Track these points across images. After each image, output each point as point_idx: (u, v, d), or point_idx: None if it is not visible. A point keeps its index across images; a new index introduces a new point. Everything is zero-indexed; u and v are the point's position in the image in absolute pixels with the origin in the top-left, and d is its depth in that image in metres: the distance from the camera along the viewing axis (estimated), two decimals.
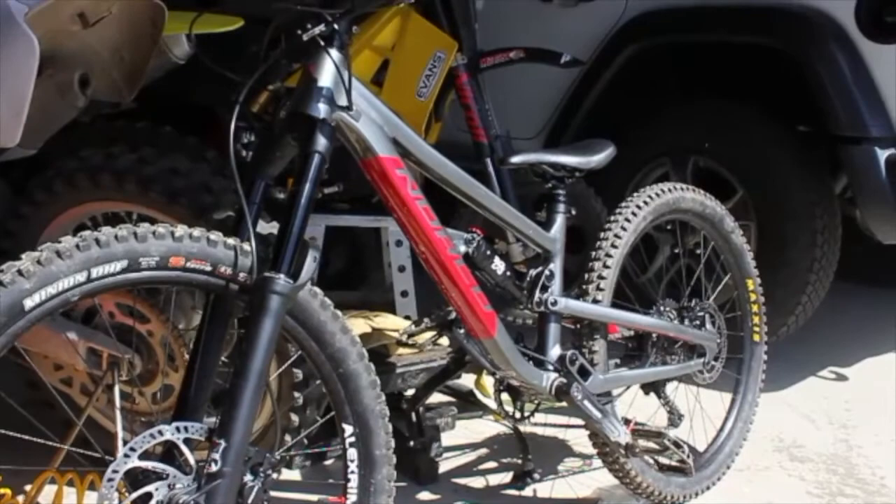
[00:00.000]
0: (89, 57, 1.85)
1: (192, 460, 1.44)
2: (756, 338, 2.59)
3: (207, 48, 2.02)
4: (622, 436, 2.14)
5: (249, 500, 1.47)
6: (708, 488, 2.43)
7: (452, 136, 2.94)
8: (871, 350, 3.51)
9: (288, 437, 2.07)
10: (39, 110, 1.74)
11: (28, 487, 1.89)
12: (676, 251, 3.05)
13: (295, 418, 2.09)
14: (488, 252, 1.97)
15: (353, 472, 1.66)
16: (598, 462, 2.35)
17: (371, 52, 2.57)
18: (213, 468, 1.42)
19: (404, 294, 2.68)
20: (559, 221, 2.16)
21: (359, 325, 2.41)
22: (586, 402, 2.09)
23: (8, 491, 1.76)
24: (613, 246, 2.20)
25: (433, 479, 2.41)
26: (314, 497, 2.23)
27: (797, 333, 3.30)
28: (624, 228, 2.22)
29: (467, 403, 2.70)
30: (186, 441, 1.45)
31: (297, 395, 2.06)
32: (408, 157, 1.77)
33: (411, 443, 2.39)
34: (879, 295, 3.99)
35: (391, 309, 2.65)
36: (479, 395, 2.70)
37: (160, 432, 1.44)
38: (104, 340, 1.97)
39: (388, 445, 1.69)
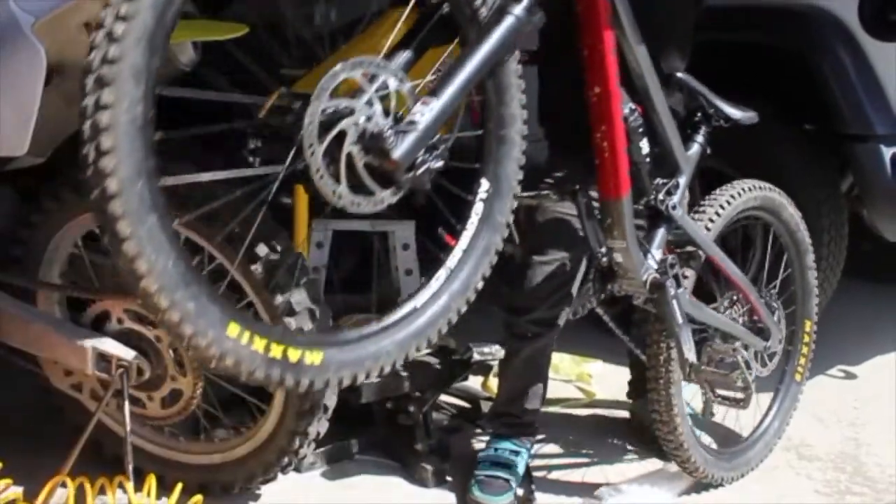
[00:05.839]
0: None
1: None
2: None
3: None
4: (692, 353, 2.18)
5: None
6: (752, 469, 2.54)
7: None
8: (881, 348, 3.49)
9: None
10: (47, 119, 1.76)
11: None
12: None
13: None
14: (641, 130, 2.03)
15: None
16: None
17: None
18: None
19: None
20: (695, 149, 2.32)
21: None
22: (674, 303, 2.14)
23: (19, 495, 1.78)
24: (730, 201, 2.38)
25: (442, 482, 2.40)
26: None
27: None
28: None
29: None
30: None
31: None
32: None
33: (419, 446, 2.41)
34: (888, 293, 3.98)
35: None
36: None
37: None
38: (113, 346, 1.99)
39: None
